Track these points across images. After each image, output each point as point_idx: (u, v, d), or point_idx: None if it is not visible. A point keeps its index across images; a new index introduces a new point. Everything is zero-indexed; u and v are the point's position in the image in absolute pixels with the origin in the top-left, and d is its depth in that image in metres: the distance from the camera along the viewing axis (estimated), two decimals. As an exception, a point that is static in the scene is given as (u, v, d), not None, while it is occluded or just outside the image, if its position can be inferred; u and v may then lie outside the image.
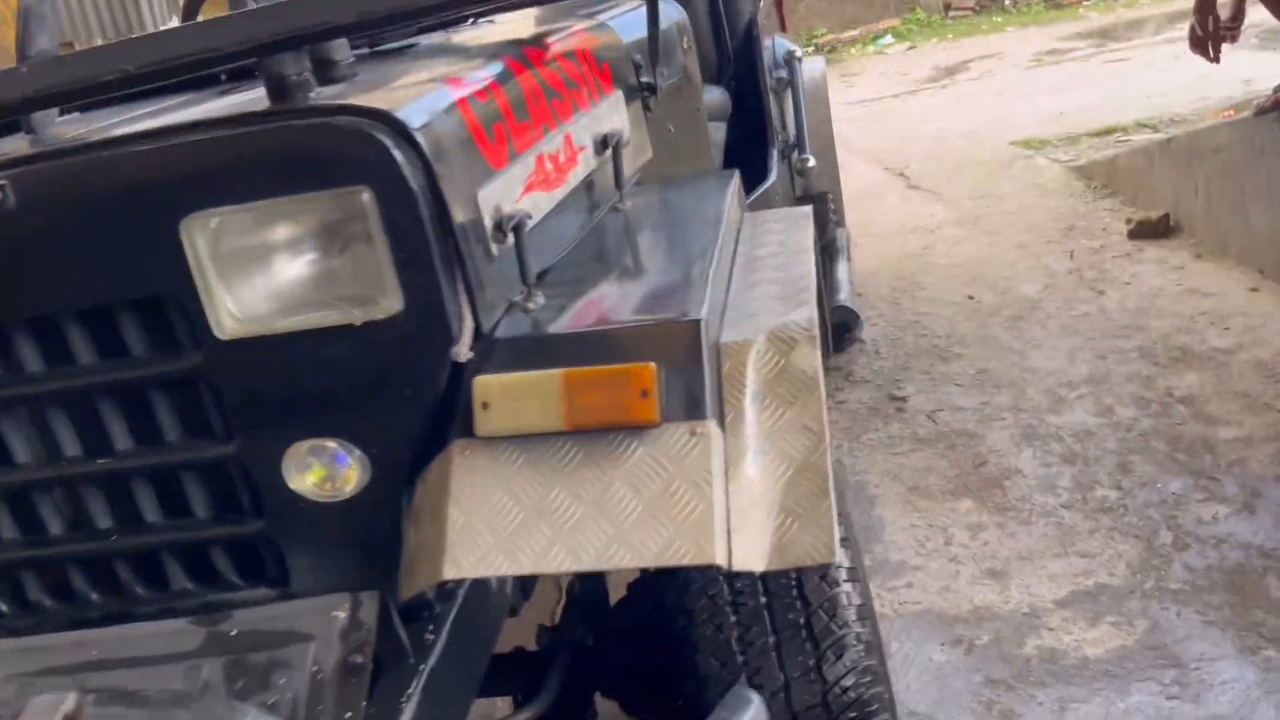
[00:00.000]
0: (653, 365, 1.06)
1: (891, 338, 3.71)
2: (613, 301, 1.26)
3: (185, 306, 1.12)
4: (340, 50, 1.30)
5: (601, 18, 1.87)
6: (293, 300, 1.12)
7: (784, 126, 3.11)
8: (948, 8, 11.73)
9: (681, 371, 1.10)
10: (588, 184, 1.58)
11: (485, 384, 1.09)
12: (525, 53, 1.51)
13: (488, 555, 1.06)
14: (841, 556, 1.33)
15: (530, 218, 1.26)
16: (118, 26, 6.21)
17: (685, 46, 2.16)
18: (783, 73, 3.06)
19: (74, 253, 1.13)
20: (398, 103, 1.12)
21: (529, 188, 1.33)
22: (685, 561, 1.02)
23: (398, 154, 1.07)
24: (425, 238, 1.09)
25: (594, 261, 1.41)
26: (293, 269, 1.12)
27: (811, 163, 2.83)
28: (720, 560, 1.03)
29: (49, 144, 1.18)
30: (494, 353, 1.15)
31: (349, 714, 1.09)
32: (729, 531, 1.05)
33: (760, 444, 1.10)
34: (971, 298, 3.93)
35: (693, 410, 1.08)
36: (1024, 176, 5.38)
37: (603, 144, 1.61)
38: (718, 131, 2.75)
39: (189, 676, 1.18)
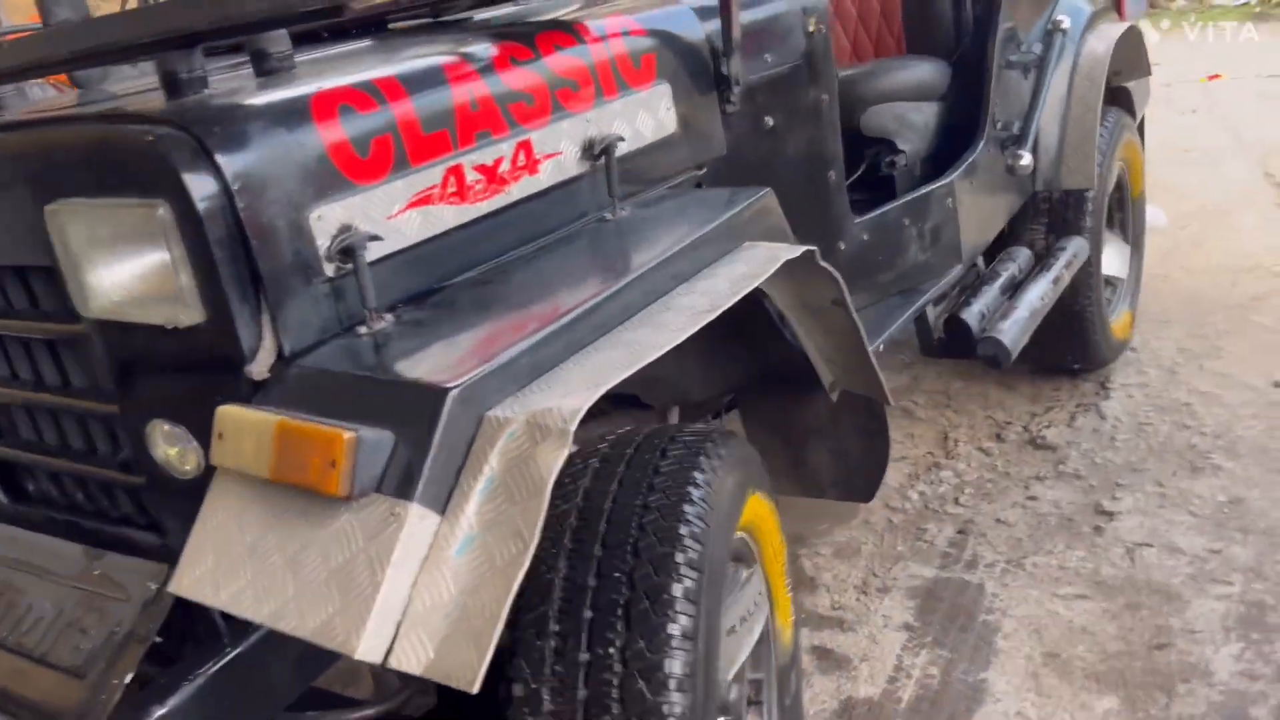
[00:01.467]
0: (347, 435, 0.99)
1: (1140, 421, 2.82)
2: (443, 340, 1.18)
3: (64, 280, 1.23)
4: (277, 43, 1.32)
5: (674, 5, 1.70)
6: (131, 294, 1.19)
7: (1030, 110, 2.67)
8: None
9: (410, 442, 1.02)
10: (559, 190, 1.48)
11: (222, 414, 1.08)
12: (497, 49, 1.43)
13: (201, 581, 1.08)
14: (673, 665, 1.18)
15: (381, 238, 1.22)
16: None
17: (810, 30, 1.91)
18: (1037, 48, 2.60)
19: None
20: (214, 117, 1.12)
21: (421, 201, 1.28)
22: (332, 646, 0.97)
23: (189, 172, 1.08)
24: (213, 258, 1.10)
25: (494, 285, 1.33)
26: (130, 266, 1.17)
27: (1025, 160, 2.39)
28: (367, 656, 0.96)
29: None
30: (284, 380, 1.14)
31: (114, 681, 1.19)
32: (400, 622, 0.98)
33: (470, 536, 1.01)
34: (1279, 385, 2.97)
35: (404, 488, 1.01)
36: None
37: (593, 148, 1.49)
38: (916, 112, 2.43)
39: (54, 596, 1.36)
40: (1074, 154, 2.71)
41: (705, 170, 1.78)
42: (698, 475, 1.29)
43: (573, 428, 1.02)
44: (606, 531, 1.24)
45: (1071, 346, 2.98)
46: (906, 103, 2.42)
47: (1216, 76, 7.04)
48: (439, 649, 0.97)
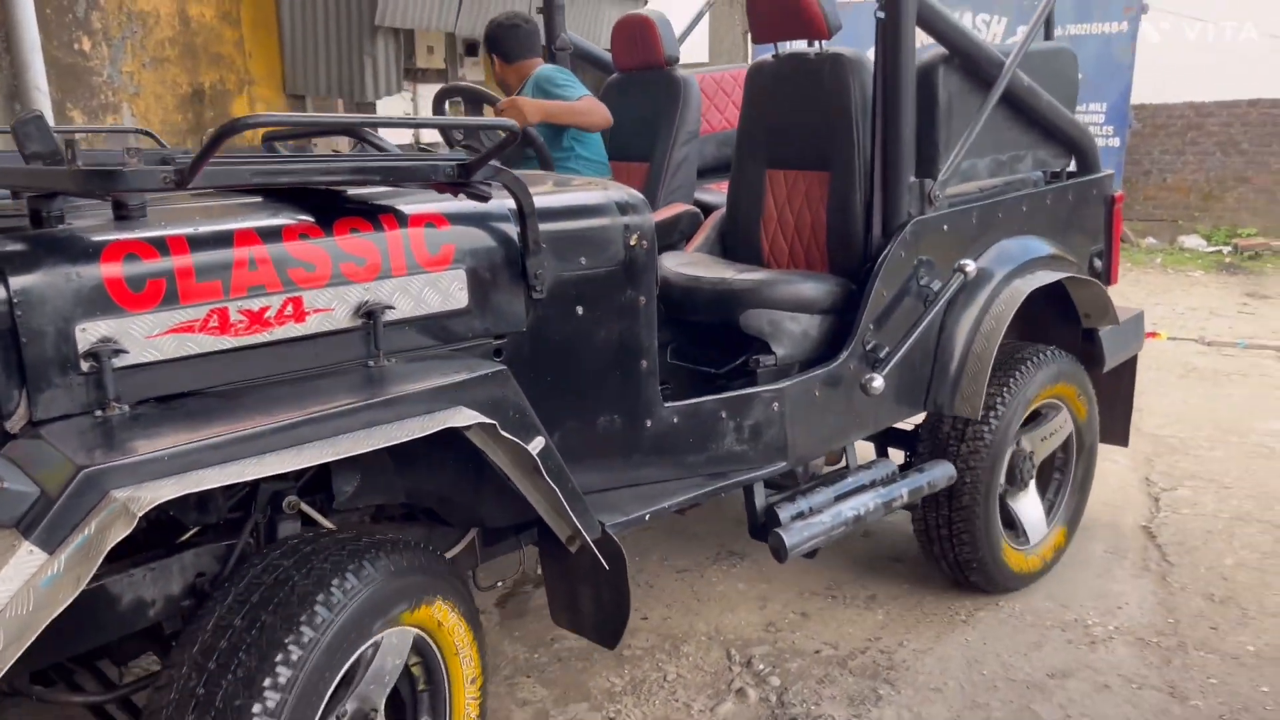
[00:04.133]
0: (-14, 483, 1.44)
1: None
2: (143, 433, 1.61)
3: None
4: (134, 197, 1.83)
5: (489, 206, 2.10)
6: None
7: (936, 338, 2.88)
8: None
9: (47, 499, 1.45)
10: (327, 338, 1.90)
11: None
12: (306, 224, 1.87)
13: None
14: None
15: (126, 351, 1.67)
16: (344, 89, 6.77)
17: (631, 243, 2.26)
18: (936, 283, 2.82)
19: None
20: (19, 248, 1.62)
21: (182, 329, 1.74)
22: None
23: None
24: None
25: (229, 399, 1.76)
26: None
27: (876, 383, 2.59)
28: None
29: None
30: (24, 437, 1.61)
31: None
32: (-22, 621, 1.40)
33: (55, 574, 1.41)
34: None
35: (29, 530, 1.44)
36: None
37: (360, 311, 1.91)
38: (793, 320, 2.70)
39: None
40: (969, 383, 2.88)
41: (506, 340, 2.16)
42: (319, 595, 1.66)
43: (139, 514, 1.42)
44: (237, 628, 1.63)
45: (960, 565, 3.09)
46: (785, 311, 2.70)
47: (1153, 335, 6.28)
48: (3, 646, 1.38)
